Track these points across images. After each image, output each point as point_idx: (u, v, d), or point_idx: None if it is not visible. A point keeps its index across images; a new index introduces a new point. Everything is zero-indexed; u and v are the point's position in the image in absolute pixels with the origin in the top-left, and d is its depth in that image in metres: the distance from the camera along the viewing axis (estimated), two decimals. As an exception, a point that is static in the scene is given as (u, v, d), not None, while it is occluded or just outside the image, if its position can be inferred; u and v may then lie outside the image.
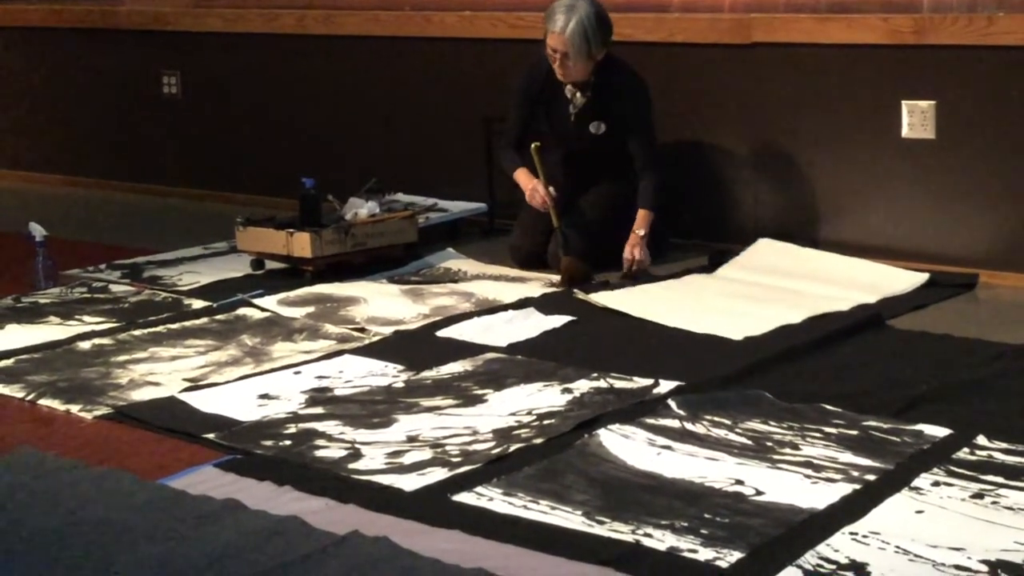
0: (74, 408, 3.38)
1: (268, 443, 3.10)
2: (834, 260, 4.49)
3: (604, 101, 4.51)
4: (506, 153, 4.68)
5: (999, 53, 4.27)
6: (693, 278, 4.43)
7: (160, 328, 4.06)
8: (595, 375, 3.50)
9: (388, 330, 3.98)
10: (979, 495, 2.69)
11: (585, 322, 4.02)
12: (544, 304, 4.20)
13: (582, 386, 3.43)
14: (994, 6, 4.85)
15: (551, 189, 4.51)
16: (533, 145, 4.49)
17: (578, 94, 4.51)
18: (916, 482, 2.75)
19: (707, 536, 2.54)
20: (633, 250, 4.45)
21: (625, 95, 4.50)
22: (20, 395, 3.50)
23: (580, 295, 4.19)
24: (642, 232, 4.47)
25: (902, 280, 4.30)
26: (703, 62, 4.87)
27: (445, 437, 3.11)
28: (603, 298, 4.17)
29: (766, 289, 4.27)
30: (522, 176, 4.57)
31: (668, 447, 3.00)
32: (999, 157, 4.34)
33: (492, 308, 4.18)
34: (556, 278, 4.45)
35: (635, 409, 3.23)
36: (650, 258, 4.50)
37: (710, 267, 4.55)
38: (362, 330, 4.00)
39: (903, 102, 4.45)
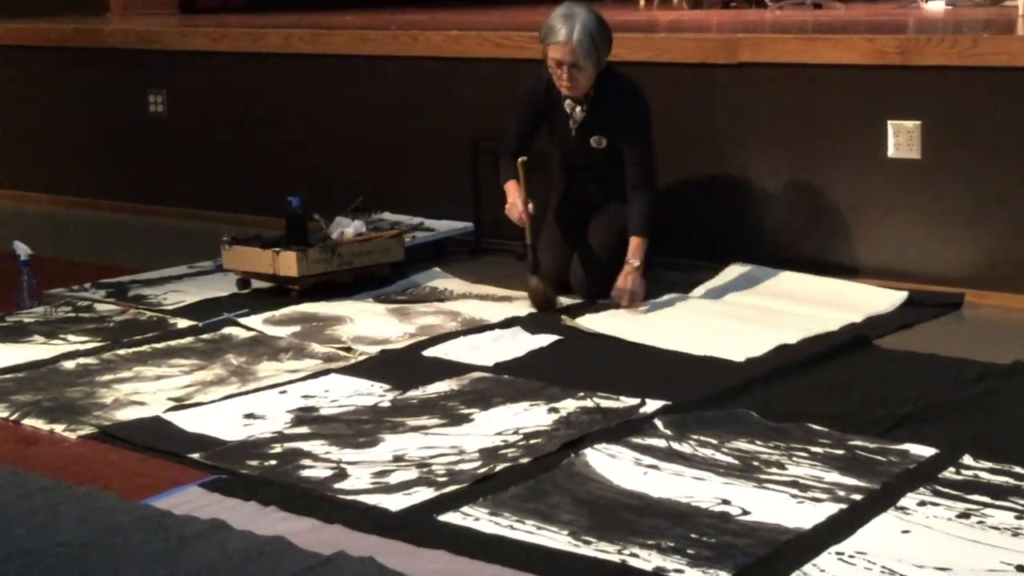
0: (58, 428, 3.37)
1: (253, 463, 3.08)
2: (808, 281, 4.50)
3: (604, 114, 4.44)
4: (504, 162, 4.63)
5: (984, 74, 4.29)
6: (676, 300, 4.40)
7: (145, 347, 4.05)
8: (582, 394, 3.49)
9: (374, 349, 3.98)
10: (965, 515, 2.69)
11: (572, 342, 4.02)
12: (531, 323, 4.20)
13: (569, 405, 3.42)
14: (979, 28, 4.88)
15: (530, 206, 4.49)
16: (520, 159, 4.48)
17: (577, 108, 4.45)
18: (902, 502, 2.75)
19: (693, 556, 2.54)
20: (626, 280, 4.27)
21: (625, 110, 4.42)
22: (4, 415, 3.48)
23: (568, 321, 4.17)
24: (636, 263, 4.29)
25: (882, 299, 4.32)
26: (690, 82, 4.88)
27: (431, 457, 3.10)
28: (592, 323, 4.16)
29: (754, 310, 4.27)
30: (508, 188, 4.55)
31: (655, 467, 2.99)
32: (984, 177, 4.35)
33: (479, 327, 4.17)
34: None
35: (622, 429, 3.23)
36: (645, 289, 4.31)
37: (687, 289, 4.51)
38: (348, 349, 3.99)
39: (889, 122, 4.46)
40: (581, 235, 4.54)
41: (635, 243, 4.33)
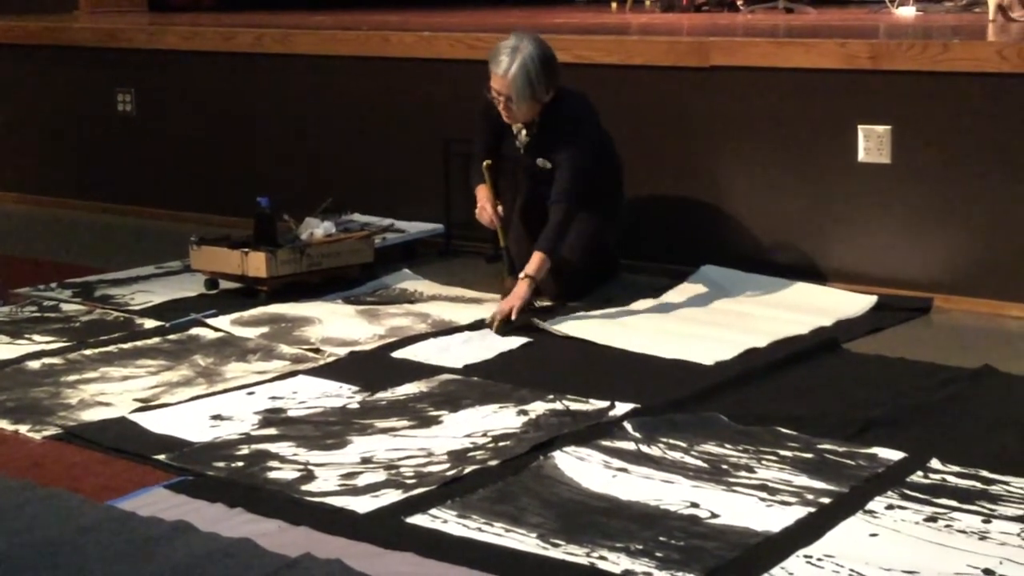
0: (23, 428, 3.34)
1: (220, 464, 3.06)
2: (777, 284, 4.51)
3: (548, 138, 4.39)
4: (473, 166, 4.61)
5: (953, 79, 4.31)
6: (646, 304, 4.40)
7: (111, 348, 4.02)
8: (551, 397, 3.49)
9: (343, 351, 3.96)
10: (932, 518, 2.69)
11: (542, 344, 4.02)
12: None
13: (538, 408, 3.41)
14: (949, 33, 4.90)
15: (499, 208, 4.48)
16: (485, 163, 4.48)
17: (523, 132, 4.44)
18: (870, 505, 2.76)
19: (662, 559, 2.53)
20: (511, 302, 4.13)
21: (570, 129, 4.34)
22: (-32, 415, 3.45)
23: (540, 324, 4.16)
24: (531, 273, 4.16)
25: (851, 303, 4.33)
26: (661, 85, 4.88)
27: (399, 459, 3.09)
28: (562, 325, 4.15)
29: (724, 314, 4.27)
30: (478, 193, 4.55)
31: (624, 470, 2.99)
32: (954, 182, 4.37)
33: (448, 329, 4.16)
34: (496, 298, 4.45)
35: (591, 431, 3.22)
36: (523, 304, 4.13)
37: (657, 294, 4.51)
38: (317, 351, 3.97)
39: (859, 126, 4.47)
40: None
41: (537, 258, 4.20)
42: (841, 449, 3.08)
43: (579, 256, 4.42)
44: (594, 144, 4.41)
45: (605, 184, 4.51)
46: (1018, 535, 2.61)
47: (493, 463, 3.04)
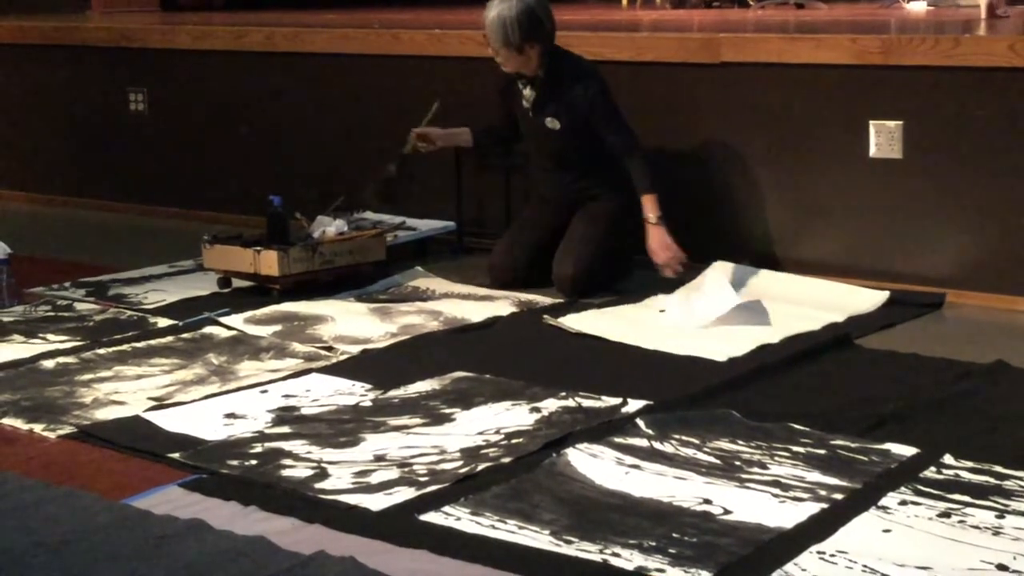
0: (37, 427, 3.35)
1: (234, 462, 3.07)
2: (790, 280, 4.51)
3: (554, 94, 4.54)
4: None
5: (965, 74, 4.30)
6: (658, 300, 4.40)
7: (125, 347, 4.03)
8: (563, 394, 3.49)
9: (356, 349, 3.97)
10: (946, 514, 2.69)
11: (553, 341, 4.02)
12: (512, 323, 4.19)
13: (550, 405, 3.42)
14: (960, 28, 4.89)
15: (428, 134, 4.78)
16: (435, 104, 4.80)
17: (527, 88, 4.59)
18: (883, 501, 2.75)
19: (675, 555, 2.53)
20: (654, 239, 4.42)
21: (573, 84, 4.50)
22: (-18, 414, 3.46)
23: (550, 320, 4.17)
24: (654, 218, 4.42)
25: (863, 298, 4.32)
26: (672, 81, 4.88)
27: (412, 456, 3.09)
28: (574, 322, 4.16)
29: (736, 310, 4.26)
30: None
31: (636, 466, 2.99)
32: (965, 177, 4.36)
33: (463, 327, 4.16)
34: (523, 296, 4.46)
35: (603, 428, 3.22)
36: (679, 251, 4.43)
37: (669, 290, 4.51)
38: (329, 349, 3.98)
39: (871, 122, 4.47)
40: (557, 237, 4.56)
41: (648, 200, 4.44)
42: (854, 445, 3.07)
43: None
44: (607, 89, 4.53)
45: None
46: (1031, 530, 2.61)
47: (506, 460, 3.05)
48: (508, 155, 5.08)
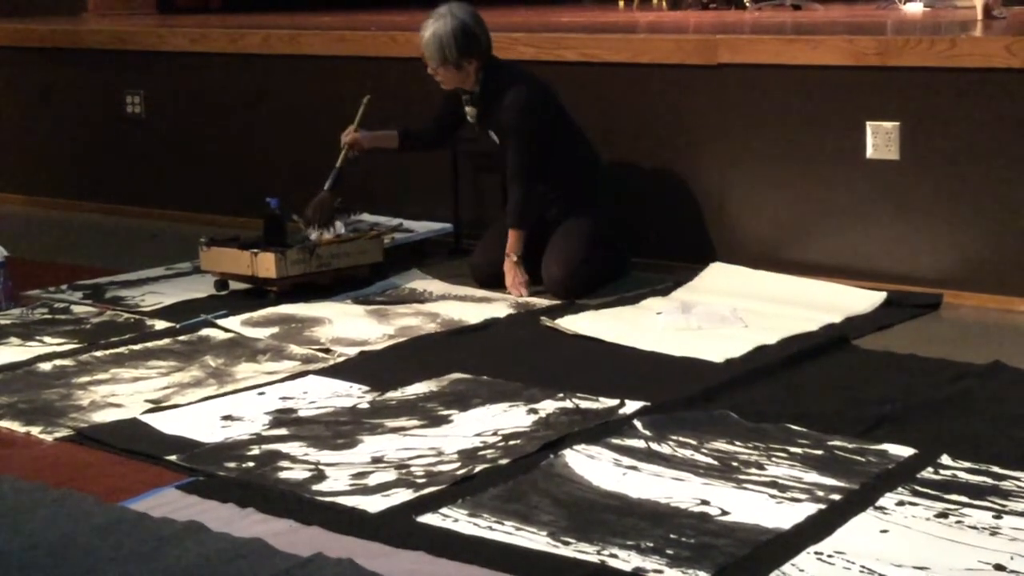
0: (34, 430, 3.35)
1: (231, 465, 3.07)
2: (787, 282, 4.51)
3: (490, 109, 4.59)
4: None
5: (961, 75, 4.31)
6: (655, 302, 4.40)
7: (122, 349, 4.03)
8: (561, 395, 3.49)
9: (353, 351, 3.97)
10: (943, 514, 2.69)
11: (551, 342, 4.02)
12: (509, 325, 4.20)
13: (548, 406, 3.42)
14: (957, 29, 4.89)
15: (357, 142, 4.82)
16: (365, 97, 4.82)
17: (469, 105, 4.64)
18: (881, 501, 2.76)
19: (673, 556, 2.54)
20: (508, 274, 4.52)
21: (503, 106, 4.53)
22: (-20, 417, 3.46)
23: (548, 322, 4.17)
24: (514, 256, 4.52)
25: (860, 299, 4.32)
26: (669, 83, 4.88)
27: (410, 458, 3.09)
28: (571, 323, 4.16)
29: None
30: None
31: (634, 467, 2.99)
32: (962, 178, 4.37)
33: (459, 329, 4.16)
34: (513, 297, 4.48)
35: (601, 429, 3.22)
36: (524, 276, 4.51)
37: (666, 291, 4.51)
38: (327, 351, 3.98)
39: (868, 123, 4.47)
40: (534, 234, 4.57)
41: (512, 235, 4.52)
42: (851, 446, 3.08)
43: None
44: (532, 106, 4.52)
45: (567, 147, 4.62)
46: (1029, 531, 2.61)
47: (503, 462, 3.05)
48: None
